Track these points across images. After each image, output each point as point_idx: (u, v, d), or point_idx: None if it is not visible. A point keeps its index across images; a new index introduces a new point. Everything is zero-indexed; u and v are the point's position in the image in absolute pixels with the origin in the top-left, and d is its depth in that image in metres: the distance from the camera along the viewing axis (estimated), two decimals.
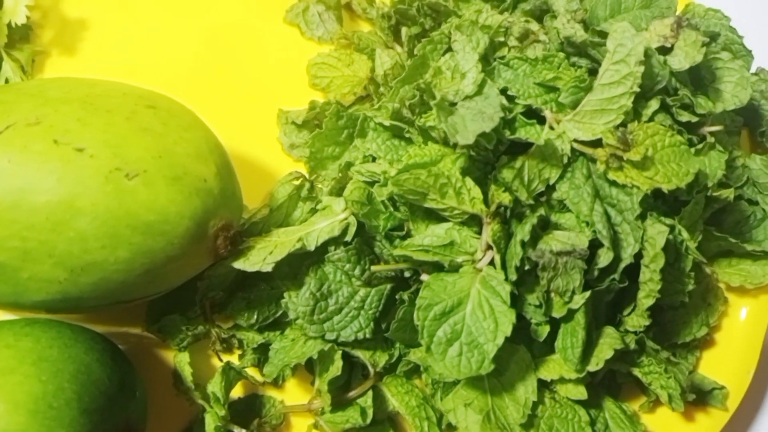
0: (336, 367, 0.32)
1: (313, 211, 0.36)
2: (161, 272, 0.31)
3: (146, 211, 0.29)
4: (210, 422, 0.32)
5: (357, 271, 0.33)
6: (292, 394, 0.36)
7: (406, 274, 0.35)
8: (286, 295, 0.34)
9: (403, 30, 0.40)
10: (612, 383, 0.34)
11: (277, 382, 0.36)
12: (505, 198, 0.30)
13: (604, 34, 0.34)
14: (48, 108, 0.31)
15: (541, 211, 0.30)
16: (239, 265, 0.33)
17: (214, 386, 0.33)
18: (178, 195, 0.30)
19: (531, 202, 0.30)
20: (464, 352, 0.29)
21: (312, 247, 0.33)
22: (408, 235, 0.35)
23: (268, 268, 0.32)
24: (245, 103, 0.43)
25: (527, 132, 0.31)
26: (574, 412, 0.32)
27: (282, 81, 0.44)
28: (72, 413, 0.27)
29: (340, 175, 0.36)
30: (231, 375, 0.34)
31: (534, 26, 0.35)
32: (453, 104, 0.33)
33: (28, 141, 0.29)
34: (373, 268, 0.33)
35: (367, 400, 0.33)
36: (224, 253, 0.32)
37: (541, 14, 0.38)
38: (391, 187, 0.32)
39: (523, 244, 0.29)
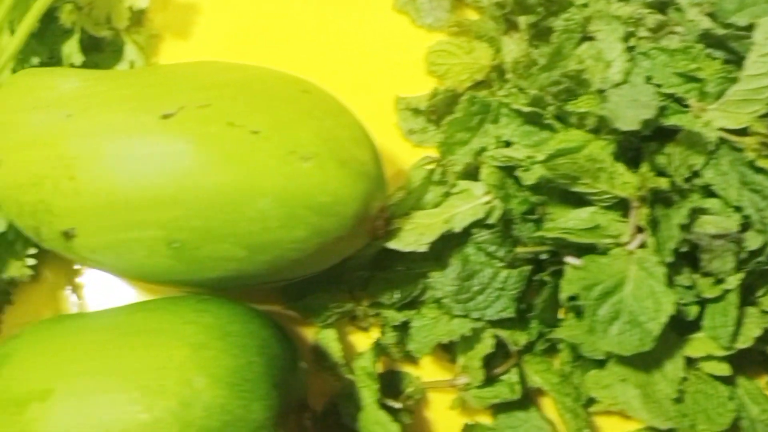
0: (487, 345, 0.34)
1: (447, 194, 0.37)
2: (329, 251, 0.32)
3: (321, 193, 0.30)
4: (368, 397, 0.33)
5: (501, 253, 0.35)
6: (427, 370, 0.38)
7: (542, 257, 0.36)
8: (431, 275, 0.35)
9: (521, 18, 0.41)
10: (743, 361, 0.36)
11: (415, 359, 0.37)
12: (663, 182, 0.31)
13: (732, 26, 0.36)
14: (213, 91, 0.31)
15: (695, 196, 0.32)
16: (394, 245, 0.34)
17: (366, 362, 0.34)
18: (347, 178, 0.31)
19: (686, 187, 0.32)
20: (626, 331, 0.31)
21: (459, 229, 0.34)
22: (540, 219, 0.37)
23: (424, 248, 0.33)
24: (358, 88, 0.43)
25: (679, 119, 0.32)
26: (714, 387, 0.34)
27: (392, 67, 0.44)
28: (264, 387, 0.28)
29: (472, 159, 0.37)
30: (378, 352, 0.35)
31: (665, 18, 0.37)
32: (601, 92, 0.34)
33: (203, 123, 0.30)
34: (518, 249, 0.35)
35: (513, 377, 0.35)
36: (380, 234, 0.33)
37: (661, 6, 0.39)
38: (541, 171, 0.33)
39: (681, 228, 0.31)
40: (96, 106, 0.30)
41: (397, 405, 0.34)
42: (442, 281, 0.35)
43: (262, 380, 0.28)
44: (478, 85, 0.42)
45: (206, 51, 0.44)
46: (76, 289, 0.38)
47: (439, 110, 0.42)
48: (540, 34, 0.41)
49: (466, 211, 0.35)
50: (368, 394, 0.33)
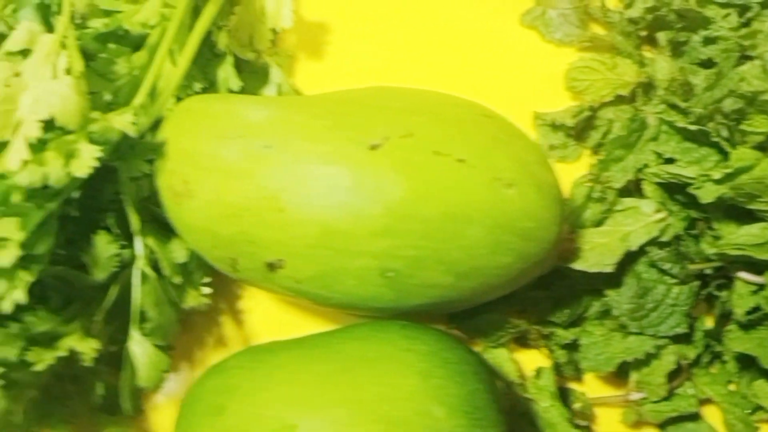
0: (670, 362, 0.34)
1: (608, 212, 0.38)
2: (525, 275, 0.32)
3: (525, 219, 0.30)
4: (558, 416, 0.34)
5: (675, 270, 0.35)
6: (590, 386, 0.38)
7: (706, 272, 0.37)
8: (608, 294, 0.36)
9: (661, 35, 0.42)
10: None
11: (579, 376, 0.38)
12: None
13: None
14: (410, 120, 0.31)
15: None
16: (580, 266, 0.34)
17: (547, 381, 0.35)
18: (544, 202, 0.31)
19: None
20: None
21: (635, 248, 0.35)
22: (700, 235, 0.37)
23: (609, 269, 0.34)
24: (489, 104, 0.44)
25: None
26: None
27: (521, 83, 0.45)
28: (492, 413, 0.28)
29: (633, 176, 0.38)
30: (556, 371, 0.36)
31: None
32: None
33: (409, 153, 0.30)
34: (692, 266, 0.35)
35: (688, 390, 0.35)
36: (569, 255, 0.33)
37: None
38: (719, 190, 0.34)
39: None
40: (297, 137, 0.30)
41: (584, 423, 0.35)
42: (618, 300, 0.35)
43: (489, 407, 0.28)
44: (618, 100, 0.42)
45: (339, 71, 0.44)
46: (240, 315, 0.39)
47: (579, 125, 0.42)
48: (674, 49, 0.42)
49: (641, 230, 0.35)
50: (557, 413, 0.34)
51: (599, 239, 0.35)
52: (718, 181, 0.34)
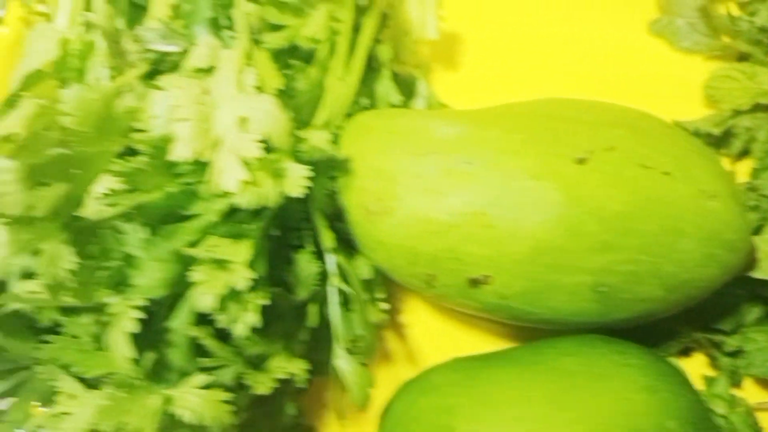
0: None
1: (763, 219, 0.38)
2: (719, 287, 0.32)
3: (729, 230, 0.31)
4: (740, 423, 0.34)
5: None
6: (749, 392, 0.39)
7: None
8: None
9: None
10: None
11: (740, 382, 0.39)
12: None
13: None
14: (606, 133, 0.31)
15: None
16: (760, 275, 0.34)
17: (722, 389, 0.35)
18: (742, 212, 0.32)
19: None
20: None
21: None
22: None
23: None
24: None
25: None
26: None
27: (651, 91, 0.45)
28: (711, 423, 0.28)
29: None
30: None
31: None
32: None
33: (616, 167, 0.30)
34: None
35: None
36: (752, 265, 0.34)
37: None
38: None
39: None
40: (497, 153, 0.30)
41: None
42: None
43: (706, 417, 0.28)
44: (756, 108, 0.43)
45: (473, 82, 0.44)
46: (402, 330, 0.39)
47: (720, 133, 0.43)
48: None
49: None
50: (739, 420, 0.34)
51: (766, 247, 0.36)
52: None
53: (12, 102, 0.30)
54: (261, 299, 0.27)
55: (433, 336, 0.39)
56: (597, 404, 0.27)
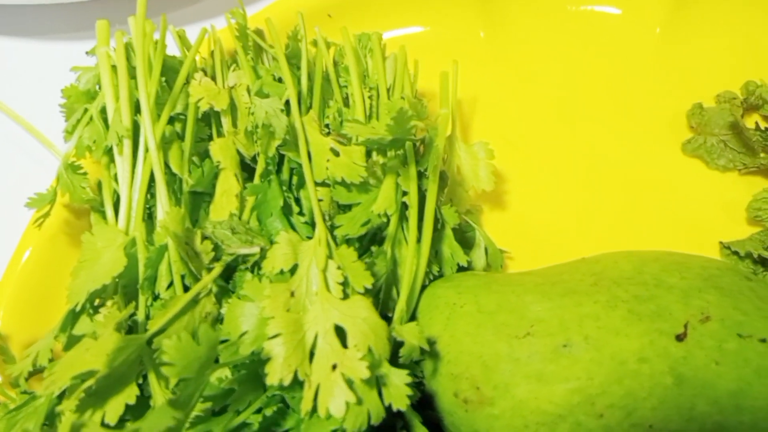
0: None
1: None
2: None
3: None
4: None
5: None
6: None
7: None
8: None
9: None
10: None
11: None
12: None
13: None
14: (696, 300, 0.31)
15: None
16: None
17: None
18: None
19: None
20: None
21: None
22: None
23: None
24: (666, 238, 0.45)
25: None
26: None
27: (694, 211, 0.46)
28: None
29: None
30: None
31: None
32: None
33: (719, 340, 0.30)
34: None
35: None
36: None
37: None
38: None
39: None
40: (599, 333, 0.30)
41: None
42: None
43: None
44: None
45: (519, 221, 0.44)
46: None
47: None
48: None
49: None
50: None
51: None
52: None
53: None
54: None
55: None
56: None
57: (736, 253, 0.44)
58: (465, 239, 0.40)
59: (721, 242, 0.44)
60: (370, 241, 0.34)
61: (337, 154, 0.34)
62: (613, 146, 0.46)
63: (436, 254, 0.37)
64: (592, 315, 0.31)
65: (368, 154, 0.37)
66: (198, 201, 0.35)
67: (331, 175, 0.34)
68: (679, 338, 0.30)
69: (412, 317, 0.34)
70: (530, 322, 0.31)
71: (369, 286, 0.30)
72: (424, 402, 0.33)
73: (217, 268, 0.32)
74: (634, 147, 0.47)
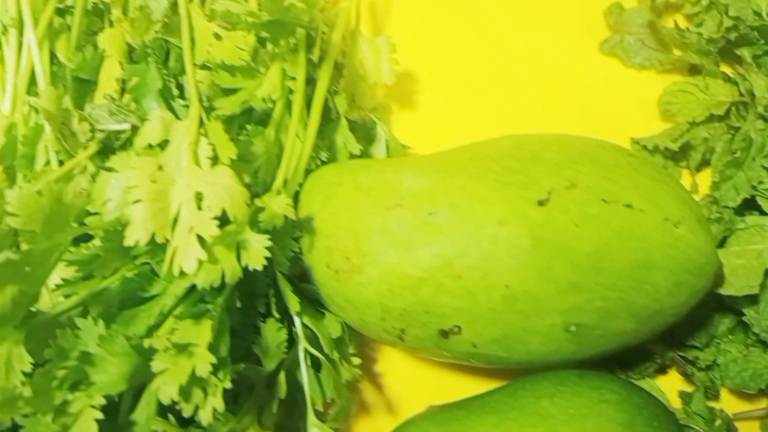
0: None
1: (727, 231, 0.39)
2: (691, 308, 0.33)
3: (697, 255, 0.31)
4: None
5: None
6: (725, 402, 0.39)
7: None
8: (746, 311, 0.37)
9: (745, 51, 0.43)
10: None
11: (716, 394, 0.39)
12: None
13: None
14: (566, 170, 0.31)
15: None
16: (729, 291, 0.35)
17: (699, 406, 0.36)
18: (707, 235, 0.32)
19: None
20: None
21: None
22: None
23: (755, 291, 0.35)
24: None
25: None
26: None
27: (608, 109, 0.46)
28: None
29: (748, 194, 0.39)
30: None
31: None
32: None
33: (581, 205, 0.30)
34: None
35: None
36: (720, 282, 0.34)
37: None
38: None
39: None
40: (463, 201, 0.30)
41: None
42: (757, 317, 0.36)
43: None
44: (710, 119, 0.44)
45: (434, 119, 0.44)
46: (378, 379, 0.38)
47: (678, 147, 0.43)
48: (758, 63, 0.44)
49: None
50: None
51: (735, 261, 0.36)
52: None
53: None
54: (225, 382, 0.27)
55: (409, 384, 0.39)
56: None
57: (645, 147, 0.44)
58: (369, 135, 0.41)
59: (632, 138, 0.44)
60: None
61: (219, 38, 0.35)
62: (529, 45, 0.46)
63: (330, 144, 0.38)
64: (461, 186, 0.31)
65: (263, 45, 0.37)
66: (85, 89, 0.36)
67: (212, 58, 0.34)
68: (542, 203, 0.30)
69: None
70: (402, 195, 0.32)
71: (234, 157, 0.30)
72: (303, 277, 0.34)
73: (93, 146, 0.32)
74: (550, 46, 0.46)
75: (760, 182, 0.39)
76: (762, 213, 0.38)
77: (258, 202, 0.30)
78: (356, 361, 0.35)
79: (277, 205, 0.31)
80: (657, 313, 0.31)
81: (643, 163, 0.33)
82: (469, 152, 0.34)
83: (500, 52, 0.46)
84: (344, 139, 0.38)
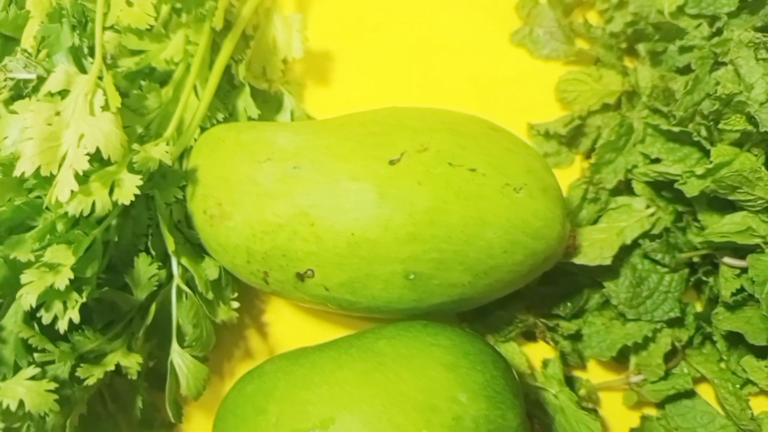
0: (666, 344, 0.38)
1: (601, 210, 0.41)
2: (535, 271, 0.35)
3: (534, 219, 0.34)
4: (567, 400, 0.37)
5: (666, 260, 0.39)
6: (592, 372, 0.41)
7: (695, 259, 0.40)
8: (606, 285, 0.39)
9: (641, 46, 0.45)
10: None
11: (583, 364, 0.41)
12: None
13: None
14: (423, 136, 0.34)
15: None
16: (582, 260, 0.37)
17: (555, 369, 0.38)
18: (550, 203, 0.34)
19: None
20: None
21: (629, 241, 0.38)
22: (687, 226, 0.41)
23: (607, 262, 0.37)
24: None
25: None
26: None
27: (514, 97, 0.48)
28: (510, 396, 0.31)
29: (623, 177, 0.41)
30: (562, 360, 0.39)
31: None
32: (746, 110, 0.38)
33: (428, 165, 0.33)
34: (682, 255, 0.39)
35: (684, 369, 0.39)
36: (572, 252, 0.37)
37: (765, 29, 0.44)
38: (702, 184, 0.37)
39: None
40: (325, 158, 0.33)
41: (591, 406, 0.38)
42: (616, 290, 0.39)
43: (506, 391, 0.31)
44: (605, 108, 0.46)
45: (345, 95, 0.48)
46: (265, 327, 0.42)
47: (569, 133, 0.46)
48: (654, 58, 0.46)
49: (633, 224, 0.39)
50: (565, 398, 0.37)
51: (597, 235, 0.39)
52: (701, 176, 0.38)
53: None
54: (83, 298, 0.30)
55: (293, 333, 0.42)
56: (397, 381, 0.30)
57: (540, 132, 0.46)
58: (277, 104, 0.44)
59: (529, 123, 0.47)
60: None
61: (130, 4, 0.38)
62: (443, 31, 0.49)
63: (233, 109, 0.42)
64: (325, 144, 0.34)
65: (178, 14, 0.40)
66: (11, 46, 0.40)
67: (121, 21, 0.38)
68: (392, 162, 0.33)
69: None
70: (273, 150, 0.35)
71: (119, 105, 0.34)
72: (189, 223, 0.37)
73: (4, 93, 0.36)
74: (463, 32, 0.49)
75: (635, 166, 0.41)
76: (632, 194, 0.41)
77: (134, 147, 0.33)
78: (235, 304, 0.38)
79: (155, 151, 0.34)
80: (493, 269, 0.33)
81: (501, 136, 0.36)
82: (347, 119, 0.37)
83: (416, 35, 0.49)
84: (245, 104, 0.41)
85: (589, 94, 0.46)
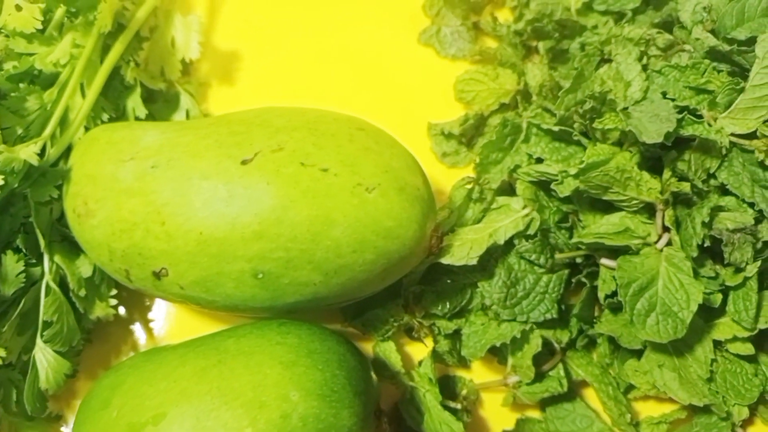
0: (536, 345, 0.37)
1: (486, 210, 0.41)
2: (392, 271, 0.35)
3: (386, 219, 0.34)
4: (431, 400, 0.37)
5: (541, 260, 0.38)
6: (477, 373, 0.42)
7: (577, 260, 0.40)
8: (480, 285, 0.39)
9: (541, 44, 0.45)
10: (764, 340, 0.40)
11: (467, 364, 0.41)
12: (684, 186, 0.35)
13: (734, 41, 0.39)
14: (283, 135, 0.35)
15: (713, 196, 0.36)
16: (447, 260, 0.37)
17: (426, 369, 0.38)
18: (405, 203, 0.34)
19: (704, 188, 0.36)
20: (660, 321, 0.35)
21: (502, 241, 0.38)
22: (573, 227, 0.40)
23: (473, 262, 0.37)
24: (392, 118, 0.46)
25: (694, 129, 0.36)
26: (741, 366, 0.37)
27: (421, 96, 0.48)
28: (349, 396, 0.31)
29: (507, 177, 0.41)
30: (435, 359, 0.39)
31: (672, 37, 0.40)
32: (624, 109, 0.38)
33: (279, 165, 0.34)
34: (558, 256, 0.38)
35: (560, 371, 0.38)
36: (435, 251, 0.37)
37: (667, 26, 0.43)
38: (575, 184, 0.37)
39: (703, 225, 0.35)
40: (181, 156, 0.34)
41: (457, 406, 0.38)
42: (489, 290, 0.39)
43: (346, 390, 0.31)
44: (504, 107, 0.46)
45: (251, 95, 0.48)
46: (147, 324, 0.43)
47: (468, 133, 0.46)
48: (557, 56, 0.46)
49: (508, 225, 0.39)
50: (431, 397, 0.37)
51: (471, 235, 0.39)
52: (574, 176, 0.37)
53: None
54: None
55: (179, 327, 0.42)
56: (231, 377, 0.31)
57: (440, 132, 0.46)
58: (170, 103, 0.45)
59: (429, 122, 0.47)
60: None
61: (19, 9, 0.40)
62: (350, 31, 0.49)
63: (124, 109, 0.43)
64: (185, 143, 0.35)
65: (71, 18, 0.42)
66: None
67: (8, 25, 0.39)
68: (245, 162, 0.34)
69: None
70: (138, 149, 0.36)
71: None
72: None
73: None
74: (371, 32, 0.49)
75: (518, 166, 0.41)
76: (513, 194, 0.41)
77: (1, 148, 0.35)
78: (113, 301, 0.39)
79: (23, 152, 0.35)
80: (342, 268, 0.33)
81: (366, 136, 0.36)
82: (219, 118, 0.38)
83: (323, 36, 0.49)
84: (134, 104, 0.42)
85: (487, 94, 0.45)
